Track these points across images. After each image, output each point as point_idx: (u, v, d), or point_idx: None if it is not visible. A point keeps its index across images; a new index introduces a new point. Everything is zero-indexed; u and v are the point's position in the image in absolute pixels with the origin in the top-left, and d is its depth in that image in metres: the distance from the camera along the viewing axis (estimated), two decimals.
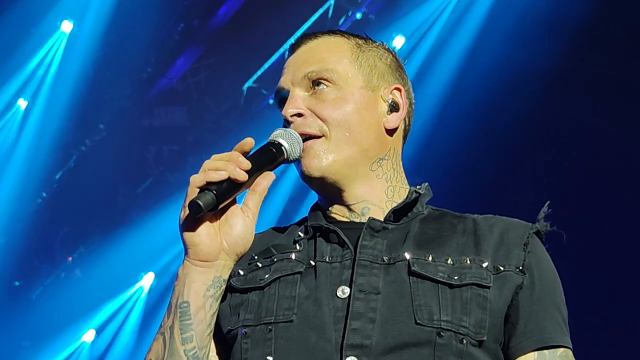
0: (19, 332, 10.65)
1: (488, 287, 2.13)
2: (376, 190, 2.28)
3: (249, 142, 2.10)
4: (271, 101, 9.49)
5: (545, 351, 2.13)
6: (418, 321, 2.06)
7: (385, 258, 2.17)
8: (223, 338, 2.21)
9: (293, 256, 2.22)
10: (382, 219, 2.24)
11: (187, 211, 2.01)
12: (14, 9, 9.47)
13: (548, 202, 2.28)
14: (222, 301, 2.12)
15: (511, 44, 7.65)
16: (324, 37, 2.35)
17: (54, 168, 10.45)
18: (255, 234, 2.18)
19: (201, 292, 2.04)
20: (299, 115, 2.25)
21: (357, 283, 2.12)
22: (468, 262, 2.16)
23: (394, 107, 2.31)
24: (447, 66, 8.21)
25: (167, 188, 10.41)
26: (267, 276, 2.20)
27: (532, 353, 2.13)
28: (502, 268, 2.16)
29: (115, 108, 10.28)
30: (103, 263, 10.37)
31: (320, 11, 8.70)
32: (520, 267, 2.17)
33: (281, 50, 9.02)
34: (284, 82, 2.31)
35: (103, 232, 10.65)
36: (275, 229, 2.40)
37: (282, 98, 2.32)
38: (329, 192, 2.28)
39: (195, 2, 9.57)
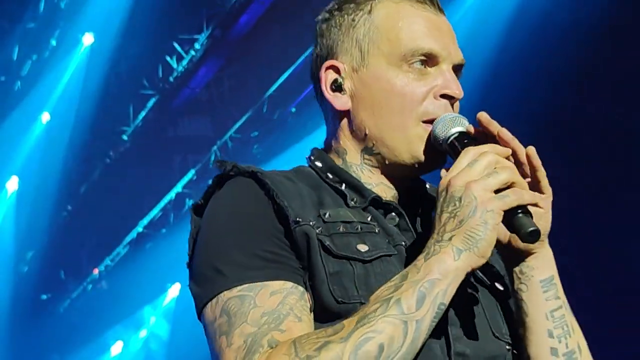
0: (47, 345, 10.69)
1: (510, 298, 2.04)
2: None
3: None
4: (293, 109, 9.45)
5: None
6: (496, 334, 1.96)
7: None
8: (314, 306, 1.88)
9: (377, 230, 1.97)
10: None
11: (506, 208, 1.81)
12: (36, 22, 9.52)
13: None
14: (312, 259, 1.86)
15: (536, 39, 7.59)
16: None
17: (78, 181, 10.49)
18: (283, 173, 2.00)
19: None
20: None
21: None
22: (487, 264, 1.99)
23: None
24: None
25: (193, 198, 10.42)
26: (366, 249, 1.92)
27: None
28: (503, 275, 2.06)
29: (138, 119, 10.31)
30: (129, 275, 10.39)
31: None
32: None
33: (302, 58, 8.98)
34: (444, 50, 2.03)
35: (129, 243, 10.68)
36: (301, 173, 2.06)
37: (430, 59, 2.01)
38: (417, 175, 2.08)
39: (216, 12, 9.57)
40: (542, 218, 1.89)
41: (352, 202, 1.99)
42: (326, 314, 1.85)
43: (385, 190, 2.03)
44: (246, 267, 1.84)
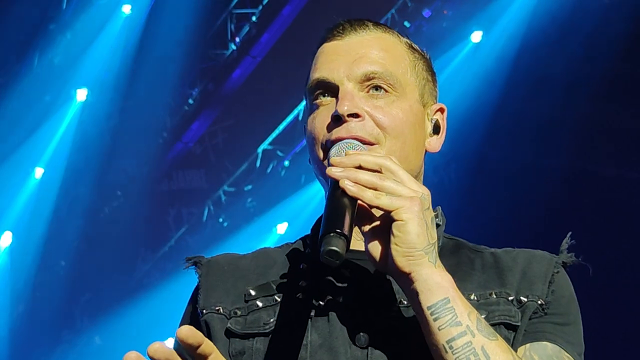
0: None
1: (516, 328, 1.93)
2: None
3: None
4: (287, 163, 9.46)
5: (536, 344, 1.93)
6: None
7: (404, 301, 1.91)
8: None
9: (300, 296, 1.95)
10: None
11: None
12: (29, 77, 9.56)
13: (570, 232, 2.07)
14: (216, 344, 1.81)
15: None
16: (377, 31, 2.06)
17: (72, 236, 10.45)
18: (245, 256, 2.06)
19: None
20: (356, 115, 1.95)
21: (377, 329, 1.90)
22: (494, 296, 1.96)
23: (436, 129, 2.09)
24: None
25: (187, 251, 10.39)
26: (272, 320, 1.93)
27: (522, 346, 1.92)
28: (525, 299, 1.96)
29: (132, 174, 10.31)
30: (123, 329, 10.32)
31: None
32: (542, 302, 1.97)
33: (294, 112, 9.03)
34: (333, 72, 1.99)
35: (123, 298, 10.62)
36: (268, 250, 2.11)
37: (326, 87, 2.00)
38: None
39: (209, 66, 9.63)
40: (401, 229, 1.76)
41: (304, 266, 2.00)
42: None
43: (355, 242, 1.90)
44: None
